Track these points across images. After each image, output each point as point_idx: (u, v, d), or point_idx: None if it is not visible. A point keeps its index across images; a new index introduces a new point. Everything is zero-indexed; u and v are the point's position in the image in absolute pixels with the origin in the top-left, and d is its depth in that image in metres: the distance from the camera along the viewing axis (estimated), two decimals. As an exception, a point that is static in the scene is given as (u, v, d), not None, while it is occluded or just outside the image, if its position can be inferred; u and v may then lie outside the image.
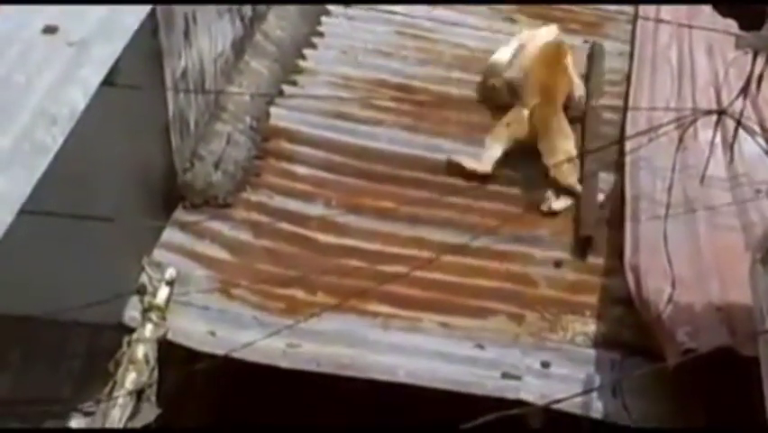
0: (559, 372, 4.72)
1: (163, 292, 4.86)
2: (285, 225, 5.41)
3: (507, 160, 5.86)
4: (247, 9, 6.23)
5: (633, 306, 4.83)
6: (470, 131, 6.13)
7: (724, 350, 4.05)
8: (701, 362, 3.90)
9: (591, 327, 4.96)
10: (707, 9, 7.37)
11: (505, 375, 4.68)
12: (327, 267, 5.13)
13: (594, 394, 4.51)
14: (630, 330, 4.87)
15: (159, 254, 5.08)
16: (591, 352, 4.84)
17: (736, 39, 5.94)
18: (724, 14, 7.16)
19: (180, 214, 5.37)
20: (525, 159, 5.84)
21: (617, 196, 5.56)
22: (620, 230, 5.27)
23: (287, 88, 6.33)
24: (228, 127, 5.80)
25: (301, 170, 5.80)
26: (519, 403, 4.43)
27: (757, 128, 5.29)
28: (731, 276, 4.53)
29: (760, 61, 4.51)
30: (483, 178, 5.71)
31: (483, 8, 7.39)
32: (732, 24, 6.89)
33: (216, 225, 5.34)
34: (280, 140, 5.97)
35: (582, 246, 5.36)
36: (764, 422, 3.28)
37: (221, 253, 5.26)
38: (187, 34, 5.30)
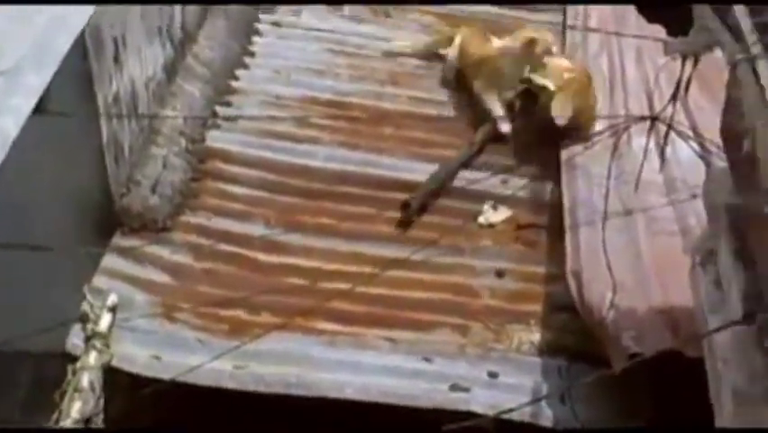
0: (507, 381, 4.75)
1: (105, 319, 4.81)
2: (225, 247, 5.39)
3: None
4: (177, 31, 6.21)
5: (576, 313, 4.88)
6: (406, 145, 6.16)
7: (668, 352, 4.10)
8: (647, 365, 3.94)
9: (536, 335, 5.01)
10: (634, 16, 7.46)
11: (453, 387, 4.69)
12: (270, 286, 5.11)
13: (543, 402, 4.54)
14: (575, 337, 4.91)
15: (99, 281, 5.03)
16: (538, 360, 4.88)
17: (664, 45, 6.03)
18: (651, 21, 7.25)
19: (119, 239, 5.33)
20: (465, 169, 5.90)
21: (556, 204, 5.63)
22: (560, 238, 5.32)
23: (220, 110, 6.31)
24: (163, 151, 5.77)
25: (239, 190, 5.79)
26: (469, 415, 4.44)
27: (690, 132, 5.37)
28: (672, 279, 4.59)
29: (689, 66, 4.58)
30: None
31: (414, 23, 7.43)
32: (660, 30, 6.98)
33: (156, 250, 5.31)
34: (217, 161, 5.95)
35: None
36: (712, 421, 3.33)
37: (162, 277, 5.23)
38: (117, 59, 5.27)
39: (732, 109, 3.65)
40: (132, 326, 4.89)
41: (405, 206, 5.61)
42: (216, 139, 6.09)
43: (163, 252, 5.32)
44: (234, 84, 6.61)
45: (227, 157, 5.99)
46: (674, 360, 3.99)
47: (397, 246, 5.37)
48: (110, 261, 5.19)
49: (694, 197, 4.89)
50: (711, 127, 4.50)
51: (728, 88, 3.79)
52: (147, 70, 5.73)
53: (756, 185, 3.12)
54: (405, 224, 5.57)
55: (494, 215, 5.66)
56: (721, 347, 3.25)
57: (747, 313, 3.07)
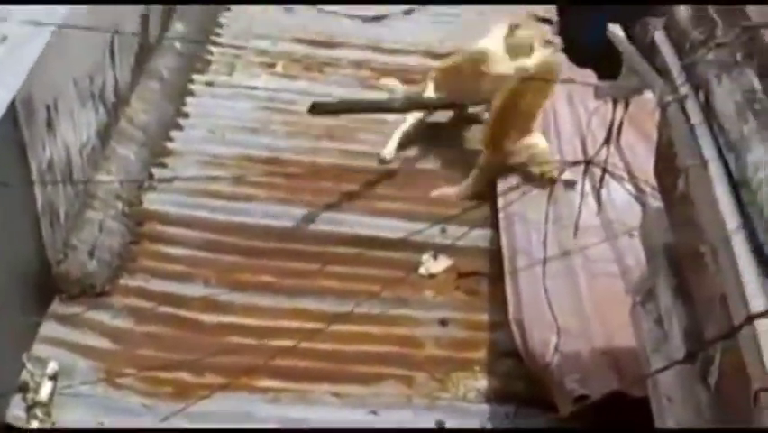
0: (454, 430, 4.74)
1: (46, 388, 4.74)
2: (166, 309, 5.34)
3: (384, 223, 5.93)
4: (110, 95, 6.19)
5: (521, 358, 4.89)
6: (344, 199, 6.17)
7: (614, 394, 4.11)
8: (593, 407, 3.96)
9: (482, 382, 5.01)
10: (564, 61, 7.54)
11: (401, 439, 4.69)
12: (213, 347, 5.07)
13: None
14: (521, 382, 4.92)
15: (39, 349, 4.97)
16: (485, 406, 4.87)
17: (594, 89, 6.09)
18: (581, 65, 7.33)
19: (58, 306, 5.27)
20: (401, 219, 5.92)
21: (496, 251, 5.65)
22: (501, 285, 5.35)
23: (156, 171, 6.29)
24: (100, 215, 5.73)
25: (178, 251, 5.76)
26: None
27: (625, 174, 5.42)
28: (614, 321, 4.62)
29: (620, 109, 4.63)
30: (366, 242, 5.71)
31: (349, 78, 7.47)
32: (590, 75, 7.06)
33: (96, 315, 5.26)
34: (154, 223, 5.92)
35: None
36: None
37: (103, 343, 5.17)
38: (50, 124, 5.24)
39: (664, 150, 3.70)
40: (75, 393, 4.82)
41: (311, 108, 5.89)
42: (153, 201, 6.06)
43: (103, 316, 5.27)
44: (169, 145, 6.59)
45: (164, 219, 5.96)
46: (620, 401, 4.01)
47: (340, 300, 5.36)
48: (49, 328, 5.13)
49: (631, 236, 4.94)
50: (645, 168, 4.57)
51: (660, 129, 3.85)
52: (81, 136, 5.70)
53: (691, 223, 3.16)
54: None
55: (434, 265, 5.68)
56: (665, 385, 3.28)
57: (689, 351, 3.09)
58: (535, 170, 6.04)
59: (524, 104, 6.27)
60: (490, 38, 6.90)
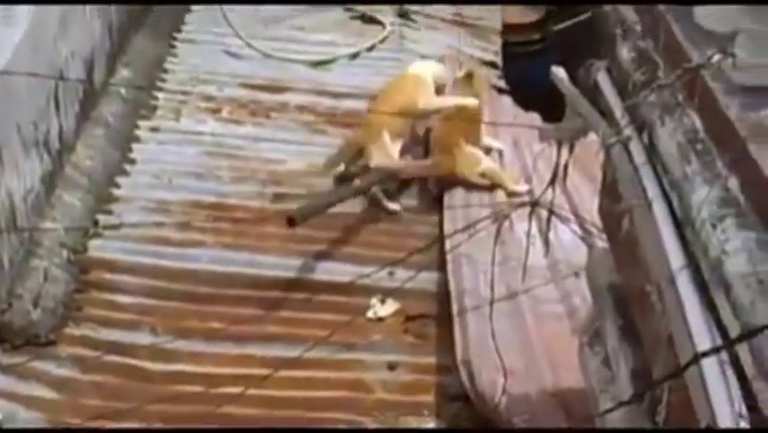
0: (403, 475, 4.72)
1: (-10, 439, 4.68)
2: (112, 357, 5.28)
3: (330, 267, 5.92)
4: (54, 142, 6.15)
5: (470, 401, 4.89)
6: (291, 243, 6.15)
7: (562, 434, 4.11)
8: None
9: (431, 425, 5.00)
10: (509, 104, 7.61)
11: (349, 486, 4.65)
12: (160, 395, 5.02)
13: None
14: (470, 425, 4.92)
15: (-19, 401, 4.90)
16: (434, 452, 4.87)
17: (539, 131, 6.13)
18: (526, 108, 7.39)
19: (1, 356, 5.20)
20: (348, 263, 5.90)
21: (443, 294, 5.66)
22: (449, 327, 5.34)
23: (102, 218, 6.25)
24: (45, 263, 5.68)
25: (124, 299, 5.71)
26: None
27: (570, 215, 5.45)
28: (562, 362, 4.63)
29: (564, 151, 4.66)
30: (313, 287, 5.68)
31: (293, 123, 7.47)
32: (535, 118, 7.12)
33: (41, 365, 5.18)
34: (100, 271, 5.87)
35: None
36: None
37: (47, 393, 5.10)
38: (-7, 173, 5.20)
39: (609, 191, 3.72)
40: (18, 445, 4.76)
41: (290, 220, 5.80)
42: (99, 248, 6.01)
43: (48, 366, 5.20)
44: (115, 192, 6.55)
45: (111, 266, 5.91)
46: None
47: (288, 346, 5.33)
48: (-8, 379, 5.07)
49: (577, 275, 4.96)
50: (591, 209, 4.59)
51: (604, 171, 3.87)
52: (25, 183, 5.65)
53: (636, 263, 3.17)
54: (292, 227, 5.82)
55: (382, 308, 5.68)
56: (614, 425, 3.27)
57: (637, 391, 3.10)
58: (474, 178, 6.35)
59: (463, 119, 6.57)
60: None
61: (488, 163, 6.63)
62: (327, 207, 6.21)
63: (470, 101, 6.77)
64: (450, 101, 6.86)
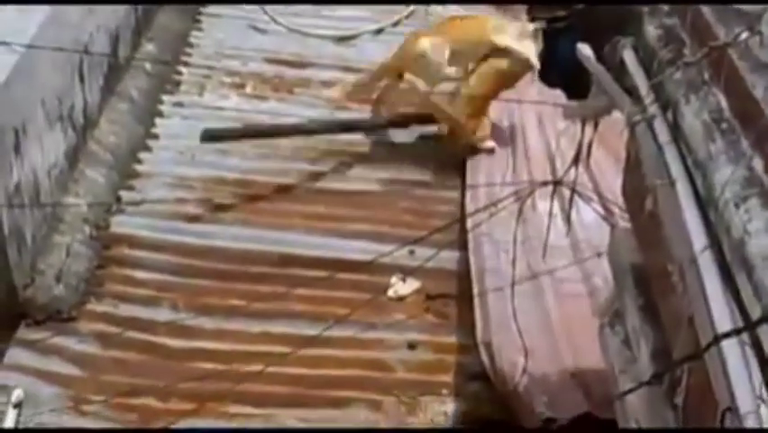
0: (422, 454, 4.71)
1: (11, 416, 4.66)
2: (133, 334, 5.29)
3: (352, 245, 5.89)
4: (79, 117, 6.14)
5: (489, 381, 4.87)
6: (313, 221, 6.13)
7: (582, 415, 4.08)
8: (563, 429, 3.93)
9: (450, 405, 4.98)
10: (533, 81, 7.54)
11: (368, 464, 4.64)
12: (180, 372, 5.02)
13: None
14: (489, 405, 4.90)
15: (3, 376, 4.91)
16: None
17: (563, 109, 6.09)
18: (550, 85, 7.33)
19: (23, 332, 5.22)
20: (369, 241, 5.88)
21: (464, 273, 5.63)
22: (470, 307, 5.32)
23: (124, 194, 6.24)
24: (67, 239, 5.68)
25: (145, 275, 5.70)
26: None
27: (593, 195, 5.41)
28: (582, 342, 4.60)
29: (588, 129, 4.62)
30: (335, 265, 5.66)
31: (317, 99, 7.43)
32: (559, 95, 7.06)
33: (62, 341, 5.20)
34: (122, 247, 5.87)
35: None
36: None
37: (69, 369, 5.11)
38: (17, 148, 5.20)
39: (632, 170, 3.68)
40: (41, 421, 4.76)
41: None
42: (121, 224, 6.01)
43: (69, 342, 5.21)
44: (138, 167, 6.54)
45: (133, 242, 5.90)
46: (589, 422, 3.99)
47: (309, 324, 5.31)
48: (14, 354, 5.08)
49: (599, 256, 4.92)
50: (614, 188, 4.55)
51: (628, 149, 3.83)
52: (49, 158, 5.65)
53: (659, 243, 3.14)
54: None
55: (403, 287, 5.65)
56: (633, 407, 3.25)
57: (656, 372, 3.07)
58: None
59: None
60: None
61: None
62: (240, 134, 6.43)
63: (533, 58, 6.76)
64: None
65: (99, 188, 6.17)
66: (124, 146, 6.62)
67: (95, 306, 5.47)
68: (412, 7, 8.50)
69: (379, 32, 8.28)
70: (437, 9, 8.57)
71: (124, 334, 5.28)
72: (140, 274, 5.71)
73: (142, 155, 6.65)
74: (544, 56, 7.79)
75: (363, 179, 6.55)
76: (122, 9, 7.05)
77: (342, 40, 8.13)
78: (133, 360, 5.18)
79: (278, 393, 4.98)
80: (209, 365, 5.11)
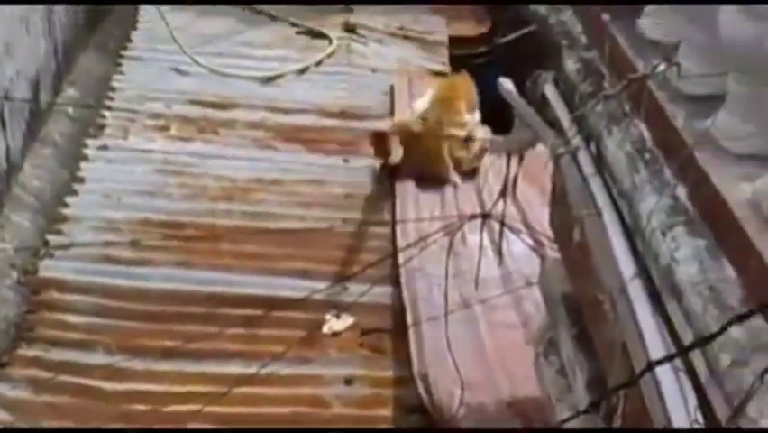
0: (362, 490, 4.72)
1: (-56, 465, 4.63)
2: (66, 378, 5.24)
3: (285, 283, 5.91)
4: (1, 162, 6.10)
5: (428, 413, 4.90)
6: (244, 260, 6.14)
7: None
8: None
9: (389, 439, 5.01)
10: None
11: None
12: (115, 415, 5.00)
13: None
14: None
15: (-66, 425, 4.85)
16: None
17: (489, 143, 6.18)
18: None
19: (-46, 380, 5.16)
20: (302, 279, 5.91)
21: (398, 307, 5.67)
22: (405, 340, 5.36)
23: (52, 238, 6.20)
24: (-5, 285, 5.64)
25: (77, 319, 5.66)
26: None
27: (522, 226, 5.48)
28: (518, 371, 4.66)
29: (514, 162, 4.70)
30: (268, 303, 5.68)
31: (243, 139, 7.46)
32: (484, 130, 7.14)
33: (-7, 387, 5.15)
34: (51, 291, 5.82)
35: None
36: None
37: (1, 415, 5.06)
38: (-60, 195, 5.16)
39: (559, 201, 3.76)
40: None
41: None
42: (50, 268, 5.97)
43: (1, 388, 5.16)
44: (65, 211, 6.51)
45: (62, 286, 5.86)
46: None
47: (244, 363, 5.31)
48: (-55, 403, 5.02)
49: (530, 285, 5.00)
50: (542, 220, 4.62)
51: (554, 182, 3.91)
52: (-27, 205, 5.61)
53: (589, 273, 3.20)
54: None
55: (337, 323, 5.67)
56: (571, 435, 3.30)
57: (593, 400, 3.12)
58: None
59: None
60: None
61: None
62: None
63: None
64: None
65: (25, 232, 6.13)
66: (50, 190, 6.59)
67: (26, 351, 5.42)
68: (334, 45, 8.57)
69: (303, 71, 8.34)
70: (359, 47, 8.66)
71: (57, 378, 5.23)
72: (71, 318, 5.67)
73: (68, 199, 6.62)
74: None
75: (294, 216, 6.58)
76: (42, 52, 7.03)
77: (266, 80, 8.17)
78: (67, 404, 5.14)
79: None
80: (144, 407, 5.08)
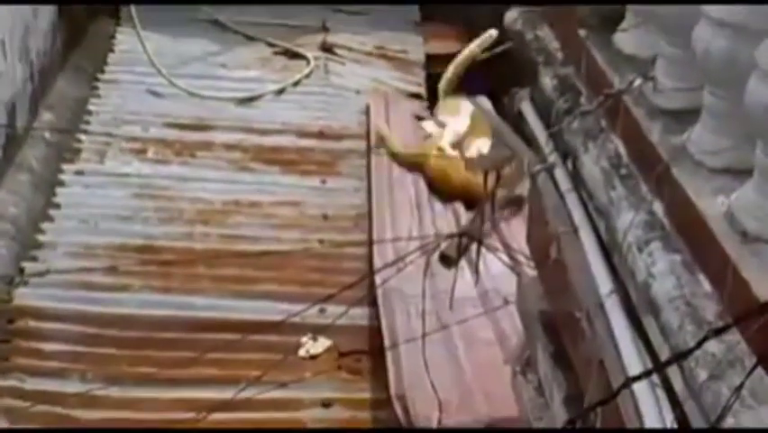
0: None
1: None
2: (42, 407, 5.18)
3: (261, 306, 5.87)
4: (-25, 190, 6.06)
5: (405, 435, 4.87)
6: (221, 284, 6.10)
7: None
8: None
9: (368, 462, 4.97)
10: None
11: None
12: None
13: None
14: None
15: None
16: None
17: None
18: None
19: (-73, 410, 5.10)
20: (278, 302, 5.87)
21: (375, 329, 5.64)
22: (382, 362, 5.32)
23: (27, 265, 6.14)
24: (-32, 314, 5.58)
25: (52, 347, 5.60)
26: None
27: (499, 245, 5.47)
28: (495, 390, 4.64)
29: (491, 180, 4.68)
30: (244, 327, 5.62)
31: (219, 161, 7.42)
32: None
33: (-33, 418, 5.09)
34: (27, 319, 5.76)
35: None
36: None
37: (-25, 446, 5.01)
38: None
39: (536, 219, 3.73)
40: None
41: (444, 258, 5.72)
42: (25, 296, 5.90)
43: (-25, 419, 5.11)
44: (41, 238, 6.45)
45: (37, 314, 5.80)
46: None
47: (221, 388, 5.25)
48: None
49: (507, 303, 4.97)
50: (519, 237, 4.60)
51: (530, 199, 3.88)
52: (-54, 232, 5.56)
53: (565, 290, 3.17)
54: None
55: (314, 346, 5.63)
56: (549, 454, 3.27)
57: (570, 418, 3.09)
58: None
59: None
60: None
61: None
62: None
63: None
64: None
65: (0, 260, 6.07)
66: (25, 217, 6.53)
67: (1, 381, 5.36)
68: (311, 66, 8.55)
69: (280, 92, 8.31)
70: (336, 68, 8.64)
71: (33, 408, 5.17)
72: (47, 346, 5.61)
73: (44, 225, 6.56)
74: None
75: (271, 238, 6.54)
76: (18, 77, 6.99)
77: (243, 101, 8.14)
78: (43, 435, 5.09)
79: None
80: (121, 436, 5.04)
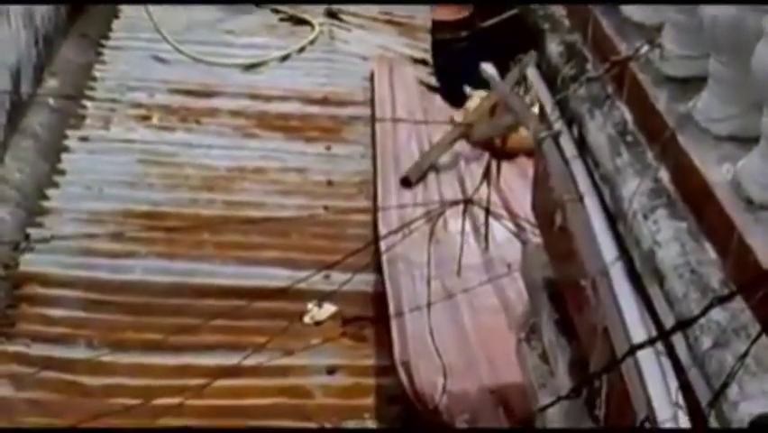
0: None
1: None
2: (48, 373, 5.20)
3: (267, 273, 5.87)
4: (-18, 156, 6.05)
5: (410, 402, 4.87)
6: (226, 250, 6.09)
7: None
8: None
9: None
10: (439, 102, 7.60)
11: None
12: (97, 410, 4.94)
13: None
14: (411, 427, 4.89)
15: None
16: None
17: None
18: (457, 105, 7.39)
19: (-67, 376, 5.11)
20: (284, 268, 5.86)
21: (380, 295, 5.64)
22: (387, 329, 5.32)
23: (33, 231, 6.14)
24: (-26, 280, 5.58)
25: (58, 312, 5.62)
26: None
27: (504, 212, 5.45)
28: (499, 357, 4.64)
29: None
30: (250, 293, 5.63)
31: (224, 128, 7.41)
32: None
33: (-27, 384, 5.10)
34: (33, 285, 5.77)
35: None
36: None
37: (-19, 413, 5.02)
38: None
39: (541, 186, 3.72)
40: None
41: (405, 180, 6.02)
42: (31, 262, 5.91)
43: (-19, 386, 5.12)
44: (46, 204, 6.45)
45: (43, 280, 5.81)
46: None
47: (227, 354, 5.28)
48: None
49: (509, 267, 4.96)
50: (524, 205, 4.59)
51: (536, 166, 3.87)
52: (-47, 199, 5.56)
53: (570, 257, 3.17)
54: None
55: (319, 312, 5.64)
56: (553, 420, 3.27)
57: (575, 385, 3.09)
58: None
59: None
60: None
61: None
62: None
63: None
64: None
65: (6, 226, 6.08)
66: (31, 183, 6.53)
67: (7, 346, 5.37)
68: (316, 32, 8.51)
69: (285, 58, 8.28)
70: (341, 33, 8.61)
71: (39, 374, 5.19)
72: (53, 312, 5.62)
73: (50, 191, 6.56)
74: (449, 75, 7.88)
75: (276, 205, 6.53)
76: (23, 43, 6.97)
77: (248, 68, 8.11)
78: (49, 400, 5.10)
79: (198, 426, 4.92)
80: (127, 401, 5.03)
